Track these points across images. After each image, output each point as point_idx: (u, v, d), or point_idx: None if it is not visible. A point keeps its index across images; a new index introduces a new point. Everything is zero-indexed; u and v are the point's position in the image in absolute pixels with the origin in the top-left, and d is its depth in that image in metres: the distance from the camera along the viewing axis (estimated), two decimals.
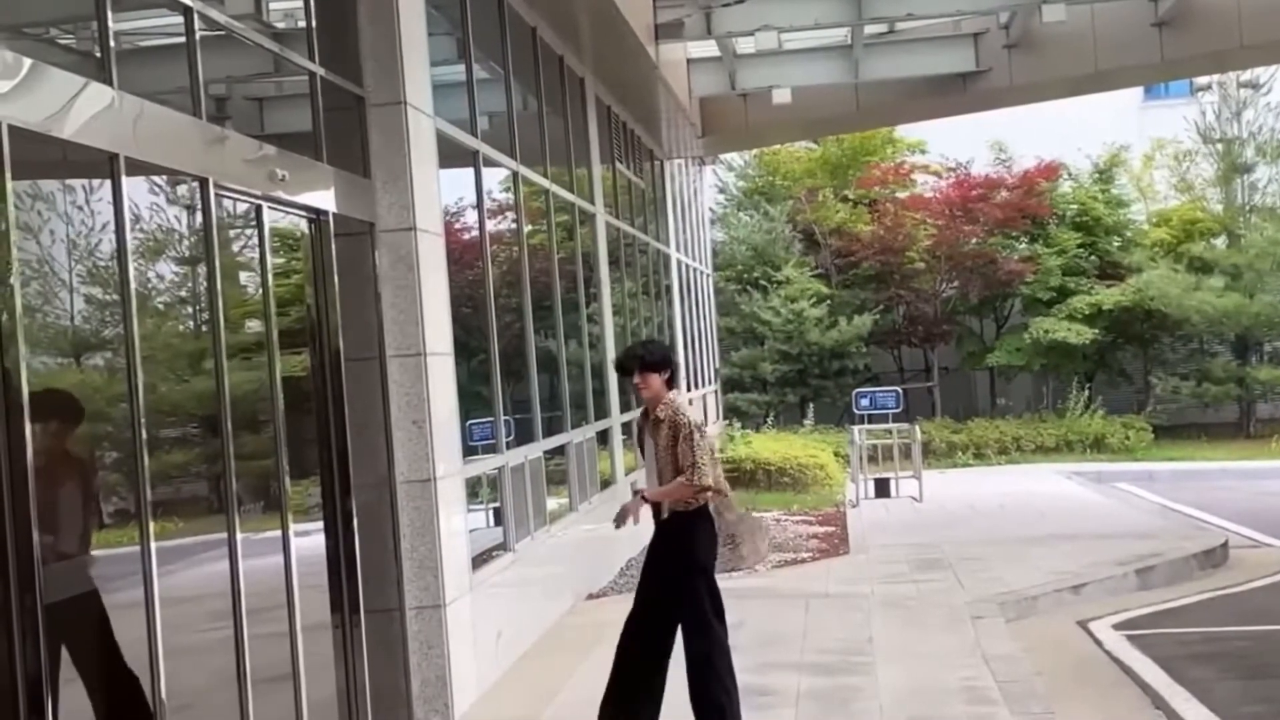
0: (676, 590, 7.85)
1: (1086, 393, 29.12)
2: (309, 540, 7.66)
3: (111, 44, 5.77)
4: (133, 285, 5.70)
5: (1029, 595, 12.57)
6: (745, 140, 27.20)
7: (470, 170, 10.98)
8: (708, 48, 20.04)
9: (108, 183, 5.64)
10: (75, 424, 5.46)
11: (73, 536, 5.41)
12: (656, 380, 7.87)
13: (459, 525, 9.25)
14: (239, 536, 6.51)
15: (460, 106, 10.76)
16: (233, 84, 7.83)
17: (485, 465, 10.56)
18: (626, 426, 16.28)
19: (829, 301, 30.03)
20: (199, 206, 6.46)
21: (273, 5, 8.29)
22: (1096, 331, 29.12)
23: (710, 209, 30.73)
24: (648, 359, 7.96)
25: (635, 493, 8.03)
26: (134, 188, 5.81)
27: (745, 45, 19.72)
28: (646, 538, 14.08)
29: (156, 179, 6.23)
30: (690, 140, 22.58)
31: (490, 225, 11.43)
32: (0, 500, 4.81)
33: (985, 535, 16.57)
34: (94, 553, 5.59)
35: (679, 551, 7.84)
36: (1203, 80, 31.43)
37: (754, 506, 19.48)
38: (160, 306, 6.42)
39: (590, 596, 13.17)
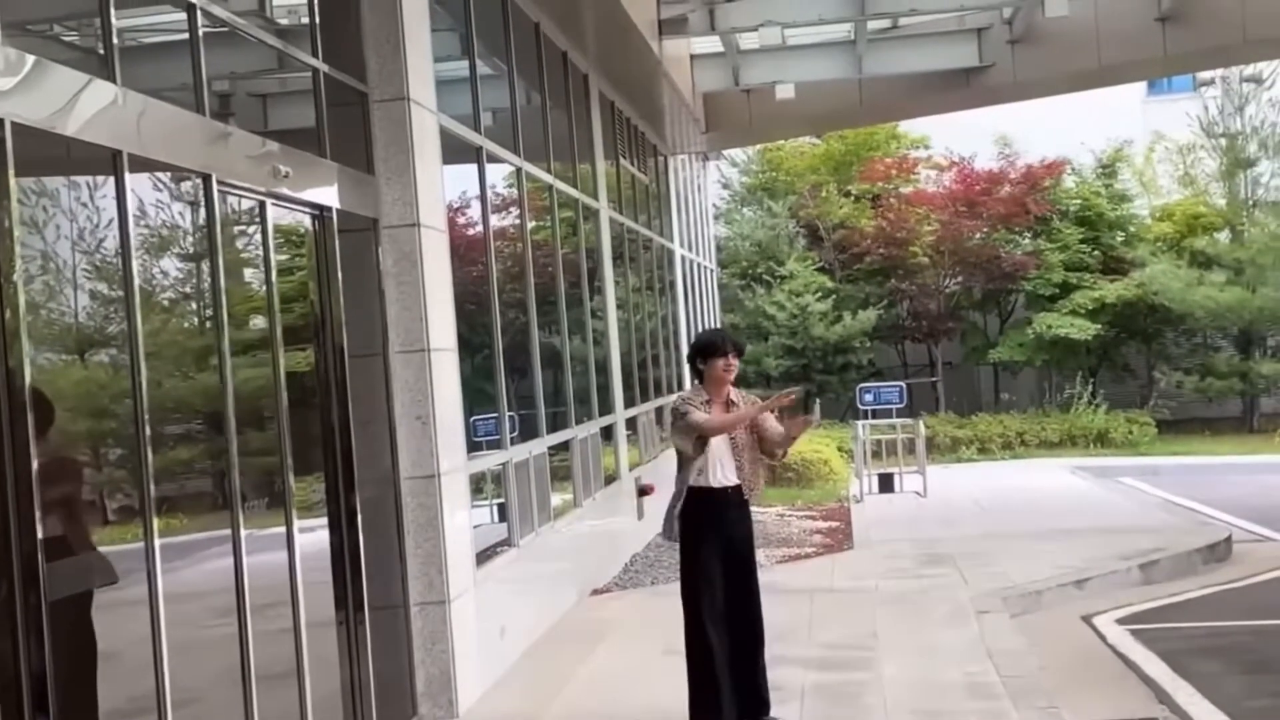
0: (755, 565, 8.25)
1: (1089, 387, 29.13)
2: (313, 536, 7.66)
3: (115, 40, 5.77)
4: (136, 282, 5.70)
5: (1033, 590, 12.57)
6: (749, 136, 27.16)
7: (474, 166, 10.97)
8: (711, 43, 20.03)
9: (111, 179, 5.65)
10: (47, 423, 5.11)
11: (59, 535, 5.22)
12: None
13: (463, 521, 9.25)
14: (243, 533, 6.52)
15: (463, 102, 10.76)
16: (236, 80, 7.83)
17: (489, 461, 10.56)
18: (631, 422, 16.30)
19: (833, 296, 30.03)
20: (202, 203, 6.47)
21: (275, 1, 8.29)
22: (1100, 326, 29.13)
23: (714, 205, 30.71)
24: (740, 344, 8.31)
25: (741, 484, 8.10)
26: (137, 184, 5.82)
27: (749, 41, 19.70)
28: (649, 533, 13.99)
29: (160, 175, 6.23)
30: (694, 136, 22.56)
31: (494, 221, 11.42)
32: (5, 499, 4.82)
33: (989, 530, 16.56)
34: (83, 554, 5.44)
35: (752, 527, 8.23)
36: (1206, 75, 31.42)
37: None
38: (164, 303, 6.42)
39: (595, 592, 13.18)
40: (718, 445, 7.99)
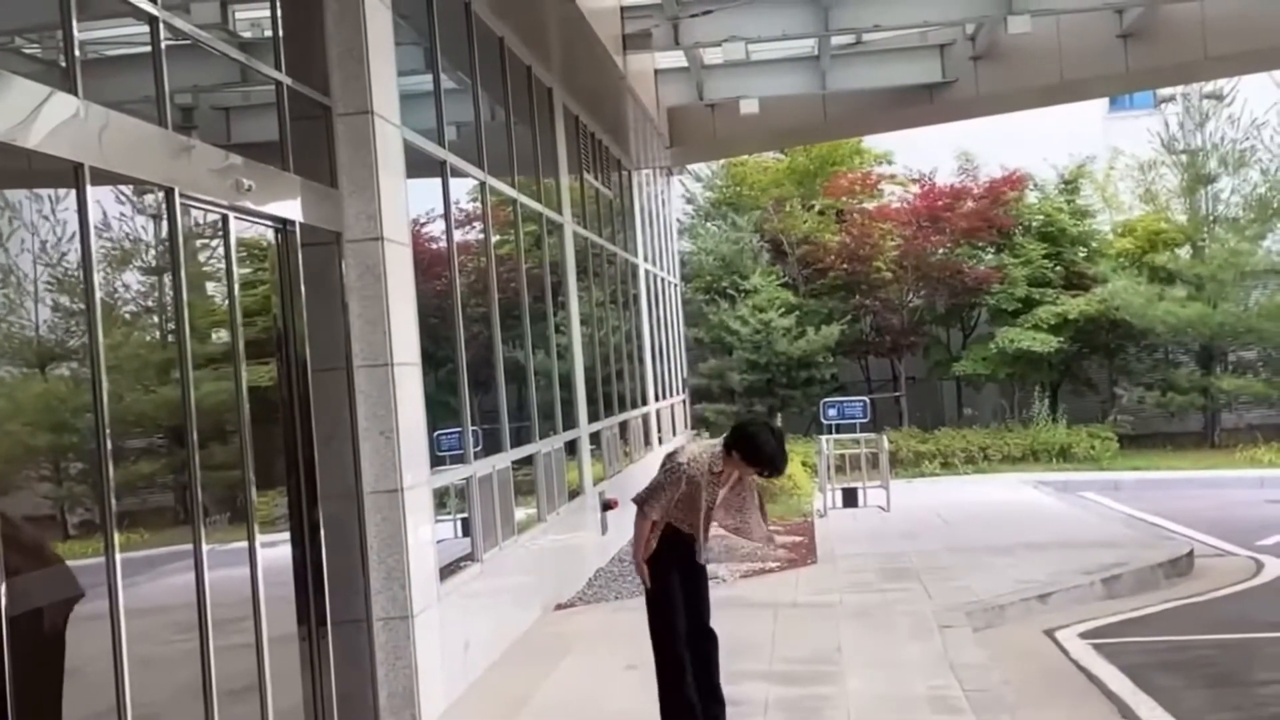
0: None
1: (1048, 402, 29.26)
2: (276, 551, 7.63)
3: (77, 53, 5.75)
4: (98, 295, 5.67)
5: (996, 604, 12.61)
6: (713, 150, 27.22)
7: (438, 180, 10.96)
8: (675, 58, 20.07)
9: (73, 192, 5.61)
10: None
11: None
12: None
13: (426, 536, 9.22)
14: (205, 547, 6.48)
15: (428, 116, 10.75)
16: (199, 93, 7.80)
17: (453, 476, 10.54)
18: (595, 437, 16.28)
19: (797, 311, 30.08)
20: (165, 216, 6.44)
21: (239, 15, 8.27)
22: (1062, 341, 29.23)
23: (678, 219, 30.76)
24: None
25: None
26: (100, 197, 5.79)
27: (713, 56, 19.75)
28: (613, 548, 14.01)
29: (122, 189, 6.21)
30: (658, 151, 22.59)
31: (458, 235, 11.41)
32: None
33: (952, 544, 16.60)
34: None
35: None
36: (1166, 92, 31.61)
37: None
38: (126, 316, 6.39)
39: (559, 607, 13.15)
40: (718, 499, 8.09)
